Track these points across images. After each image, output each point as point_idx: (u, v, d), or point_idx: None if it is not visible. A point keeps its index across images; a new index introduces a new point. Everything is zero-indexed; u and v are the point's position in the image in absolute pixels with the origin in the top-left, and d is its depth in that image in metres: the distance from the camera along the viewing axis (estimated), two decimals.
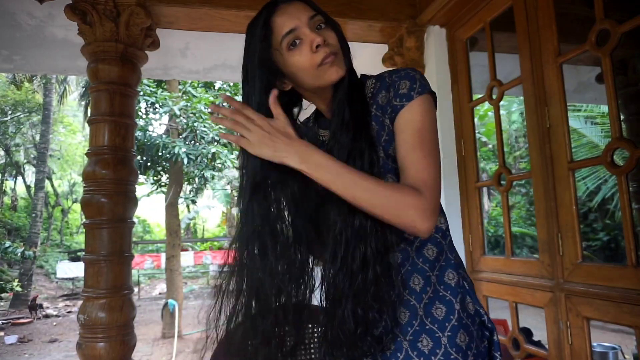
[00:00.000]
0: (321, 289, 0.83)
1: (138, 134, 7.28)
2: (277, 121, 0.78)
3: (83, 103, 14.06)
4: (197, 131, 7.70)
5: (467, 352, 0.78)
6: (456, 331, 0.78)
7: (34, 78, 13.96)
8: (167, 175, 8.22)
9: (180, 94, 7.75)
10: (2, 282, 10.45)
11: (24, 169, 17.73)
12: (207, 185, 8.74)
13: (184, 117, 7.71)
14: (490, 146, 10.74)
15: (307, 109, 0.99)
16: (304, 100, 0.94)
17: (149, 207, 20.08)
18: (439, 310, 0.80)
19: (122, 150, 1.90)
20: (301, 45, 0.80)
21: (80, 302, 1.94)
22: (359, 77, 0.90)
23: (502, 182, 2.08)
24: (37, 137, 14.80)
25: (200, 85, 8.36)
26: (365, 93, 0.87)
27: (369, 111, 0.85)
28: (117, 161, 1.87)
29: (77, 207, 18.87)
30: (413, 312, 0.81)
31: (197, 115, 7.71)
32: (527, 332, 2.55)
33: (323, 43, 0.80)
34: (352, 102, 0.83)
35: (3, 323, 8.94)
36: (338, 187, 0.74)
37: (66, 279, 13.00)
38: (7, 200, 18.15)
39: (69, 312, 10.40)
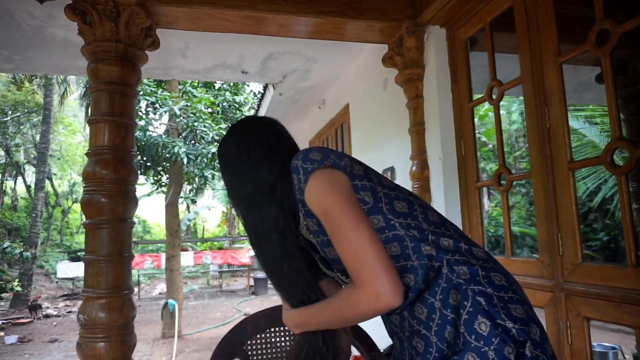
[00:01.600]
0: None
1: (138, 133, 7.28)
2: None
3: (84, 103, 14.06)
4: (197, 131, 7.69)
5: None
6: (463, 355, 0.75)
7: (34, 78, 13.95)
8: (167, 175, 8.22)
9: (180, 94, 7.75)
10: (2, 282, 10.45)
11: (24, 169, 17.72)
12: (207, 185, 8.73)
13: (183, 117, 7.71)
14: (490, 146, 10.74)
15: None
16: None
17: (149, 207, 20.07)
18: (450, 334, 0.77)
19: (122, 150, 1.90)
20: None
21: (80, 302, 1.94)
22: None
23: (502, 182, 2.08)
24: (37, 137, 14.79)
25: (200, 85, 8.35)
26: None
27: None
28: (117, 161, 1.87)
29: (77, 207, 18.87)
30: (427, 341, 0.80)
31: (197, 115, 7.71)
32: None
33: None
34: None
35: (3, 323, 8.94)
36: (311, 327, 0.93)
37: (66, 279, 12.99)
38: (7, 200, 18.15)
39: (69, 312, 10.39)
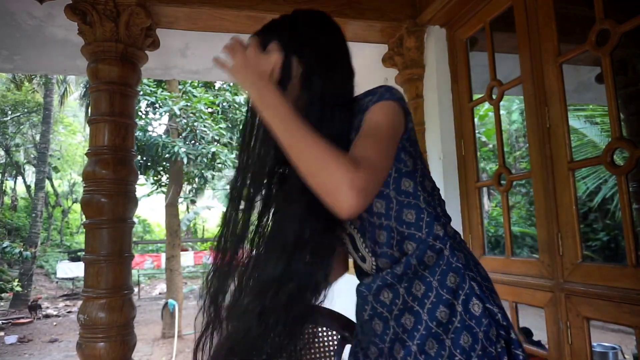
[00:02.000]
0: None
1: (138, 133, 7.28)
2: (261, 60, 0.83)
3: (83, 103, 14.06)
4: (197, 131, 7.70)
5: (470, 353, 0.78)
6: (459, 334, 0.79)
7: (34, 78, 13.96)
8: (167, 175, 8.22)
9: (180, 94, 7.75)
10: (1, 282, 10.45)
11: (24, 169, 17.73)
12: (207, 185, 8.74)
13: (183, 117, 7.71)
14: (490, 146, 10.74)
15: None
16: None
17: (149, 207, 20.07)
18: (442, 313, 0.80)
19: (122, 150, 1.90)
20: None
21: (80, 302, 1.94)
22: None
23: (502, 182, 2.08)
24: (37, 137, 14.80)
25: (200, 85, 8.36)
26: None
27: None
28: (117, 161, 1.87)
29: (77, 207, 18.87)
30: (417, 318, 0.82)
31: (197, 115, 7.71)
32: (527, 332, 2.55)
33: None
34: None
35: (3, 323, 8.94)
36: (278, 130, 0.75)
37: (66, 279, 12.99)
38: (7, 200, 18.15)
39: (69, 312, 10.39)
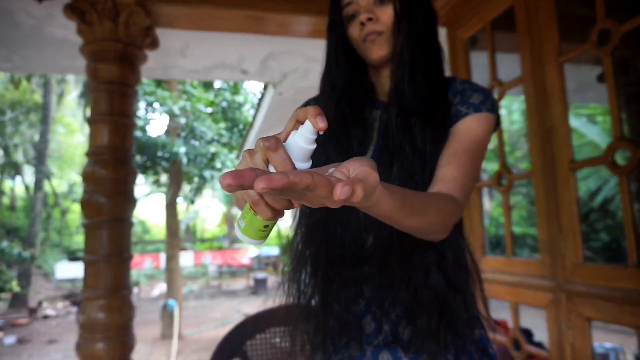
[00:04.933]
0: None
1: (137, 133, 7.27)
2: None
3: (82, 103, 14.05)
4: (197, 131, 7.69)
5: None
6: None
7: (33, 77, 13.94)
8: (167, 175, 8.21)
9: (179, 94, 7.74)
10: (0, 283, 10.44)
11: (22, 169, 17.71)
12: (206, 185, 8.73)
13: (183, 117, 7.70)
14: (490, 146, 10.74)
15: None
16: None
17: (149, 207, 20.07)
18: None
19: (122, 150, 1.89)
20: (356, 18, 0.81)
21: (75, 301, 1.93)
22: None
23: (503, 182, 2.07)
24: (36, 137, 14.78)
25: (199, 84, 8.35)
26: (442, 71, 0.82)
27: (443, 90, 0.80)
28: (116, 161, 1.86)
29: (76, 207, 18.85)
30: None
31: (196, 114, 7.71)
32: (527, 333, 2.54)
33: (369, 20, 0.78)
34: (418, 78, 0.79)
35: (2, 323, 8.93)
36: (399, 215, 0.56)
37: (65, 279, 12.99)
38: (6, 200, 18.13)
39: (68, 312, 10.38)
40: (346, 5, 0.82)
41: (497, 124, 0.82)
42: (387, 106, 0.82)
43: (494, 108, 0.80)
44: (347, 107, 0.82)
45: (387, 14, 0.79)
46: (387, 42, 0.79)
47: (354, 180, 0.39)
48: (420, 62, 0.80)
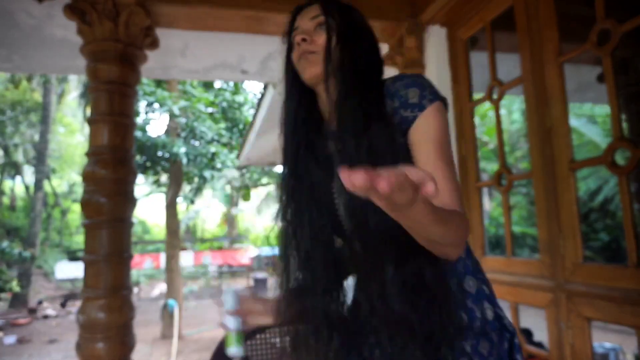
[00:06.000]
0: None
1: (137, 133, 7.27)
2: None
3: (82, 102, 14.05)
4: (197, 131, 7.69)
5: (489, 358, 0.78)
6: (478, 339, 0.79)
7: (33, 77, 13.94)
8: (167, 175, 8.21)
9: (179, 94, 7.74)
10: (0, 282, 10.43)
11: (22, 169, 17.71)
12: (206, 185, 8.73)
13: (183, 117, 7.71)
14: (490, 146, 10.74)
15: None
16: None
17: (149, 207, 20.07)
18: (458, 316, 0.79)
19: (122, 150, 1.89)
20: (296, 36, 0.84)
21: (79, 303, 1.93)
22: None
23: (503, 182, 2.07)
24: (36, 137, 14.78)
25: (199, 84, 8.35)
26: (380, 92, 0.82)
27: (379, 110, 0.79)
28: (116, 161, 1.86)
29: (76, 207, 18.85)
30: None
31: (196, 114, 7.71)
32: (527, 333, 2.55)
33: (303, 41, 0.82)
34: (350, 101, 0.79)
35: (2, 323, 8.93)
36: (419, 234, 0.64)
37: (65, 279, 12.98)
38: (6, 200, 18.13)
39: (69, 312, 10.38)
40: (292, 31, 0.88)
41: (445, 104, 0.81)
42: (332, 136, 0.85)
43: (434, 94, 0.79)
44: (304, 140, 0.86)
45: (322, 38, 0.83)
46: (320, 61, 0.81)
47: (429, 177, 0.46)
48: (354, 82, 0.81)
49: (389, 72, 0.88)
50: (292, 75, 0.87)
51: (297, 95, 0.87)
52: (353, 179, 0.42)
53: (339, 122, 0.80)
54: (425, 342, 0.72)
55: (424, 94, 0.78)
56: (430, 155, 0.76)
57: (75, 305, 10.96)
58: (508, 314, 0.86)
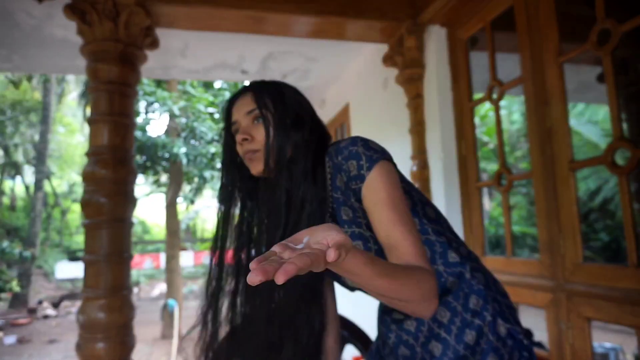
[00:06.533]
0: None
1: (137, 133, 7.27)
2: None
3: (82, 102, 14.05)
4: (197, 131, 7.69)
5: None
6: (486, 355, 0.80)
7: (33, 77, 13.93)
8: (167, 175, 8.21)
9: (179, 94, 7.74)
10: (0, 282, 10.43)
11: (22, 169, 17.70)
12: (206, 185, 8.73)
13: (183, 117, 7.70)
14: (490, 146, 10.74)
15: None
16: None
17: (149, 207, 20.06)
18: (469, 337, 0.81)
19: (122, 150, 1.89)
20: (238, 136, 0.89)
21: (79, 303, 1.93)
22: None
23: (503, 182, 2.07)
24: (36, 137, 14.78)
25: (199, 84, 8.35)
26: (322, 179, 0.87)
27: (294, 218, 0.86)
28: (116, 161, 1.86)
29: (76, 207, 18.84)
30: (445, 345, 0.82)
31: (196, 115, 7.70)
32: (527, 333, 2.54)
33: (244, 140, 0.87)
34: (275, 204, 0.87)
35: (2, 323, 8.93)
36: (370, 289, 0.66)
37: (65, 279, 12.98)
38: (6, 200, 18.12)
39: (69, 312, 10.38)
40: (232, 124, 0.92)
41: (387, 159, 0.83)
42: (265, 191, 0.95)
43: (369, 159, 0.81)
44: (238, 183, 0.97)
45: (260, 133, 0.87)
46: (261, 159, 0.88)
47: (338, 245, 0.50)
48: (289, 174, 0.87)
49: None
50: (230, 156, 0.95)
51: (237, 173, 0.95)
52: (250, 280, 0.43)
53: (276, 204, 0.88)
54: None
55: (360, 164, 0.81)
56: (383, 216, 0.78)
57: (69, 306, 10.95)
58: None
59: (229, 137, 0.94)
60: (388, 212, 0.77)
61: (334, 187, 0.85)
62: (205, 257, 11.97)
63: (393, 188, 0.80)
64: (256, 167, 0.88)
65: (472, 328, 0.81)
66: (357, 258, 0.56)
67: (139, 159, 7.35)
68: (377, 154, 0.81)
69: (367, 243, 0.83)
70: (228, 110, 0.93)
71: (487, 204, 11.19)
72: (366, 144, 0.82)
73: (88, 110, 10.93)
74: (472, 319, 0.81)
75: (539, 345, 2.08)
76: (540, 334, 2.20)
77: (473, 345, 0.80)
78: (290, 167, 0.86)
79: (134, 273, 11.81)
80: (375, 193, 0.79)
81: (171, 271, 7.56)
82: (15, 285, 10.68)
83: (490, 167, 9.92)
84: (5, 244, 10.77)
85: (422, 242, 0.77)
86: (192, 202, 9.58)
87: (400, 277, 0.65)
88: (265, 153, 0.86)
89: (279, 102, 0.88)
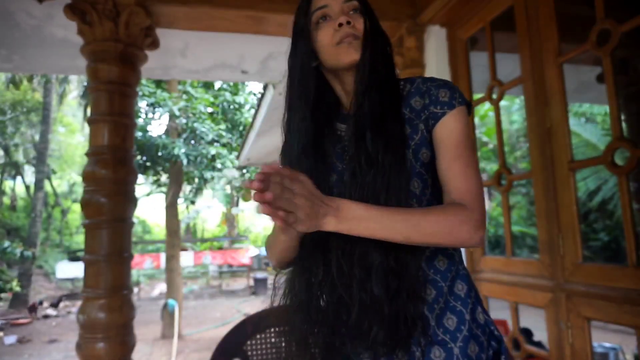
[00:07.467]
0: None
1: (137, 133, 7.27)
2: (307, 182, 0.68)
3: (83, 102, 14.06)
4: (197, 131, 7.69)
5: None
6: (467, 341, 0.78)
7: (33, 77, 13.94)
8: (167, 175, 8.21)
9: (179, 94, 7.74)
10: (1, 282, 10.43)
11: (23, 169, 17.71)
12: (206, 185, 8.73)
13: (183, 118, 7.71)
14: (490, 146, 10.74)
15: None
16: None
17: (149, 207, 20.07)
18: (450, 321, 0.79)
19: (122, 150, 1.89)
20: (327, 22, 0.83)
21: (79, 302, 1.94)
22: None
23: (502, 182, 2.07)
24: (37, 137, 14.78)
25: (199, 85, 8.35)
26: (398, 90, 0.85)
27: (396, 107, 0.83)
28: (116, 161, 1.86)
29: (77, 207, 18.84)
30: (426, 323, 0.80)
31: (196, 115, 7.71)
32: (527, 333, 2.54)
33: (347, 24, 0.81)
34: (374, 93, 0.81)
35: (2, 323, 8.93)
36: (385, 234, 0.71)
37: (65, 279, 12.99)
38: (6, 200, 18.13)
39: (69, 312, 10.38)
40: (317, 9, 0.84)
41: (469, 111, 0.86)
42: (349, 120, 0.86)
43: (463, 98, 0.83)
44: (319, 123, 0.86)
45: (361, 23, 0.84)
46: (360, 48, 0.83)
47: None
48: (380, 75, 0.84)
49: None
50: (307, 52, 0.86)
51: (314, 78, 0.86)
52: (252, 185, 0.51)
53: (359, 110, 0.82)
54: (389, 323, 0.75)
55: (454, 95, 0.82)
56: (451, 152, 0.79)
57: (69, 306, 10.96)
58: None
59: (305, 32, 0.86)
60: (456, 151, 0.79)
61: (407, 105, 0.85)
62: (206, 257, 11.98)
63: (470, 132, 0.82)
64: (353, 55, 0.82)
65: (454, 313, 0.79)
66: (352, 203, 0.68)
67: (139, 159, 7.36)
68: (461, 97, 0.83)
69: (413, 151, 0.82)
70: None
71: (487, 204, 11.19)
72: (454, 87, 0.85)
73: (88, 111, 10.95)
74: (455, 303, 0.80)
75: (539, 345, 2.09)
76: (540, 334, 2.20)
77: (453, 330, 0.79)
78: (378, 67, 0.83)
79: (134, 273, 11.82)
80: (457, 127, 0.80)
81: (171, 271, 7.56)
82: (15, 285, 10.68)
83: (490, 167, 9.92)
84: (6, 243, 10.77)
85: (481, 181, 0.79)
86: (192, 202, 9.58)
87: (411, 219, 0.71)
88: (364, 43, 0.82)
89: (370, 7, 0.89)
